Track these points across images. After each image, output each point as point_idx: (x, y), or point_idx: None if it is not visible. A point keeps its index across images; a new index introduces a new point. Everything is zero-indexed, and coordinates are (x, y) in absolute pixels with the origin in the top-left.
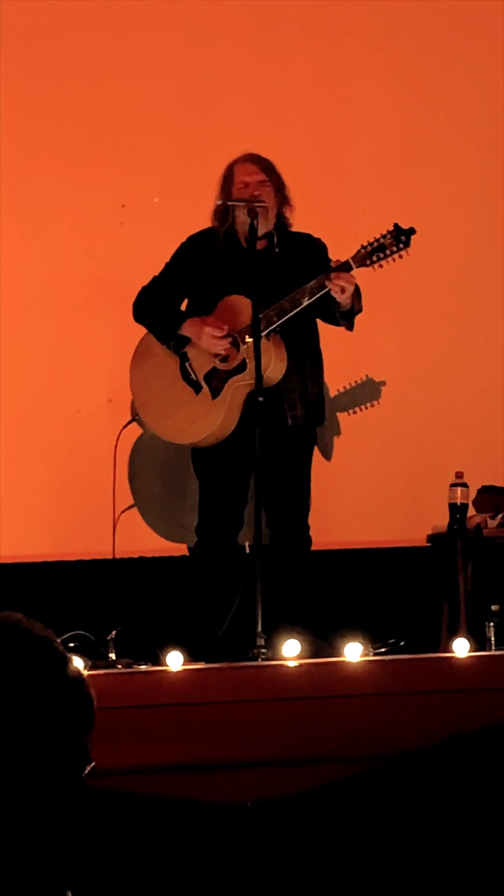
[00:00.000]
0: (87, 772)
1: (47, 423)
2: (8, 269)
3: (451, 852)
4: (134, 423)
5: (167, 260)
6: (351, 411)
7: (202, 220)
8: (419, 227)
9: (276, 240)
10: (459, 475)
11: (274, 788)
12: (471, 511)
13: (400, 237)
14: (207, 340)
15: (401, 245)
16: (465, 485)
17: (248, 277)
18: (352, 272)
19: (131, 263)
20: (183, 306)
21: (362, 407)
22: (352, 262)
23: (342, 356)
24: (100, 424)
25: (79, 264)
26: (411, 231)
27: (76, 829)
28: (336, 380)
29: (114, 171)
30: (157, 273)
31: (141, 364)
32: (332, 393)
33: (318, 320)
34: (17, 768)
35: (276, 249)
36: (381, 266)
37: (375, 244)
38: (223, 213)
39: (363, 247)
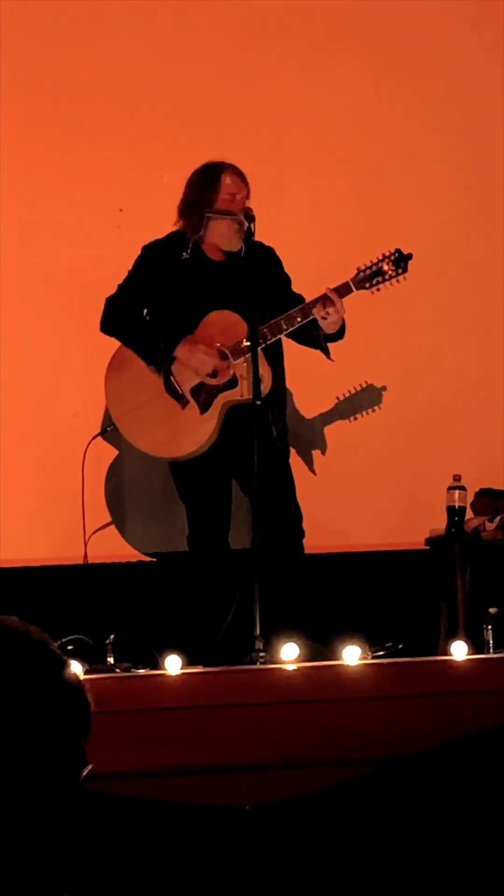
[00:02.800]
0: (84, 775)
1: (45, 428)
2: (5, 273)
3: (450, 855)
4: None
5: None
6: (352, 417)
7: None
8: (414, 231)
9: (242, 253)
10: (457, 478)
11: (273, 792)
12: (469, 514)
13: (399, 262)
14: (200, 359)
15: (399, 270)
16: (462, 488)
17: (216, 289)
18: (350, 294)
19: (129, 266)
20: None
21: (363, 413)
22: (352, 285)
23: (338, 361)
24: (97, 428)
25: (76, 267)
26: (409, 257)
27: (73, 833)
28: (333, 386)
29: (111, 175)
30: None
31: (118, 375)
32: (332, 400)
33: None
34: (12, 772)
35: (242, 257)
36: (377, 290)
37: (374, 268)
38: (197, 218)
39: (361, 270)
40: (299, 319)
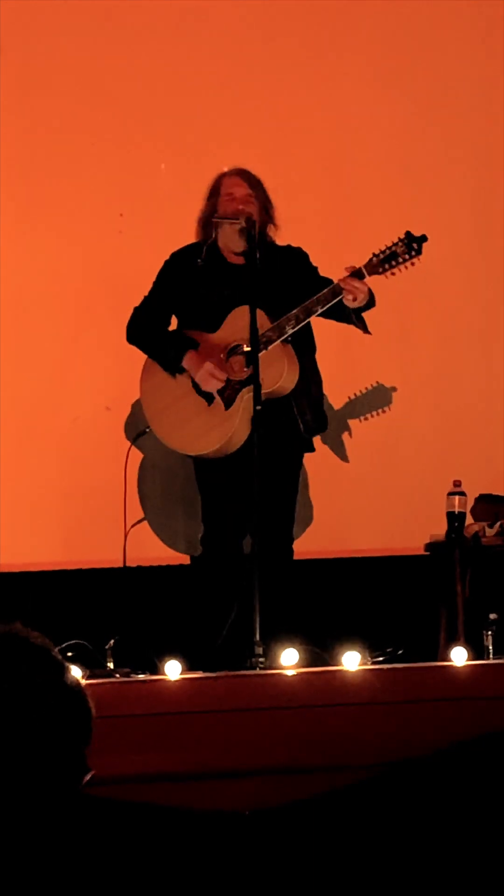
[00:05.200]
0: (86, 781)
1: (47, 431)
2: (7, 278)
3: (450, 860)
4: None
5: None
6: (362, 418)
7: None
8: (418, 230)
9: (258, 254)
10: (457, 484)
11: (272, 797)
12: (469, 519)
13: (412, 244)
14: (203, 375)
15: (413, 252)
16: (462, 493)
17: (238, 290)
18: (364, 280)
19: (130, 272)
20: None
21: (374, 413)
22: (364, 271)
23: (341, 365)
24: (100, 432)
25: (78, 272)
26: (423, 238)
27: (74, 838)
28: (337, 388)
29: (112, 180)
30: (152, 284)
31: (150, 377)
32: (343, 400)
33: (321, 324)
34: (14, 778)
35: (258, 262)
36: (393, 274)
37: (388, 252)
38: (207, 227)
39: (375, 255)
40: (316, 308)
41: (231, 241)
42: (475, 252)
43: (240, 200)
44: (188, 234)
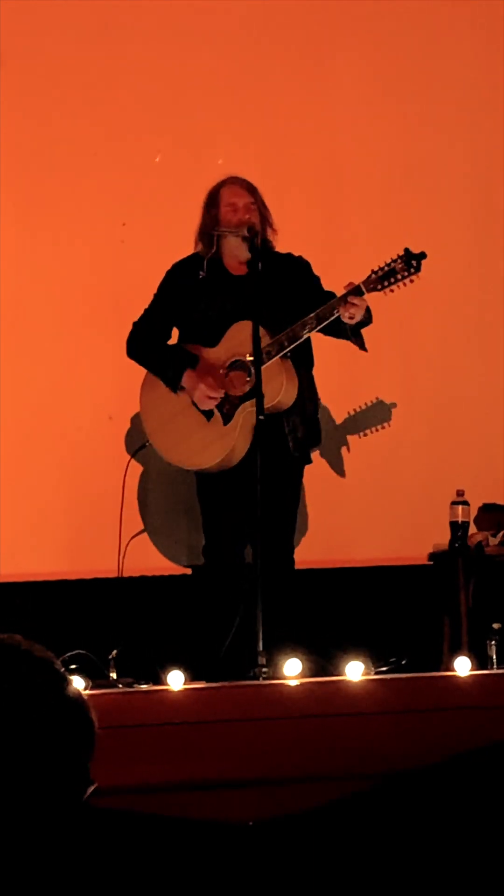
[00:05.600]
0: (88, 794)
1: (50, 441)
2: (9, 286)
3: (454, 871)
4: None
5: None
6: (361, 433)
7: None
8: (416, 245)
9: (259, 264)
10: (460, 493)
11: (276, 807)
12: (472, 529)
13: (411, 262)
14: (199, 396)
15: (412, 270)
16: (466, 503)
17: (241, 303)
18: (363, 297)
19: (132, 281)
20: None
21: (373, 429)
22: (363, 287)
23: (342, 377)
24: (102, 442)
25: (80, 282)
26: (422, 255)
27: (76, 848)
28: (337, 401)
29: (115, 189)
30: (154, 293)
31: (151, 391)
32: (343, 415)
33: (319, 339)
34: (16, 790)
35: (260, 269)
36: (391, 291)
37: (386, 269)
38: (208, 239)
39: (373, 272)
40: (314, 325)
41: (238, 251)
42: (475, 265)
43: (243, 210)
44: (191, 244)
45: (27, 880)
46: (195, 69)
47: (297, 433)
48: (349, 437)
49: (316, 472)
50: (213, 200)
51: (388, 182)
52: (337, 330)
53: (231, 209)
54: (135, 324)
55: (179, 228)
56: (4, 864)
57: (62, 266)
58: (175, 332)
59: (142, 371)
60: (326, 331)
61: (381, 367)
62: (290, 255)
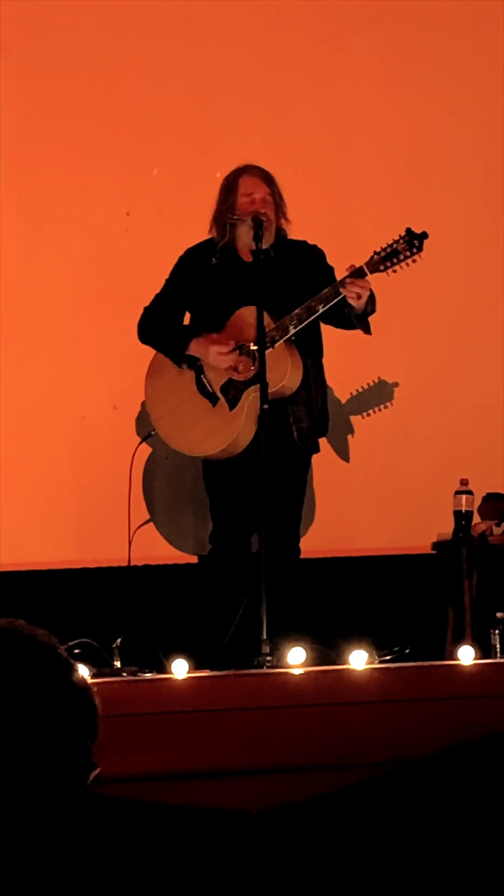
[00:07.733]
0: (92, 778)
1: (55, 430)
2: (13, 277)
3: (457, 859)
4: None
5: (172, 267)
6: (364, 414)
7: (207, 227)
8: (424, 228)
9: (272, 252)
10: (464, 482)
11: (280, 796)
12: (476, 518)
13: (413, 241)
14: (215, 357)
15: (414, 249)
16: (469, 492)
17: (250, 289)
18: (366, 278)
19: (136, 270)
20: (186, 319)
21: (376, 409)
22: (366, 269)
23: (347, 363)
24: (107, 431)
25: (84, 271)
26: (424, 235)
27: (80, 836)
28: (342, 386)
29: (119, 179)
30: (161, 282)
31: (156, 379)
32: (345, 396)
33: (328, 326)
34: (20, 775)
35: (272, 255)
36: (394, 271)
37: (389, 249)
38: (223, 225)
39: (376, 252)
40: (318, 307)
41: (249, 238)
42: (482, 246)
43: (260, 203)
44: (195, 233)
45: (29, 864)
46: (201, 57)
47: (302, 424)
48: (353, 421)
49: (321, 460)
50: (230, 188)
51: (395, 164)
52: (341, 319)
53: (248, 200)
54: (146, 308)
55: (183, 217)
56: (6, 847)
57: (66, 256)
58: (187, 318)
59: (147, 359)
60: (333, 321)
61: (386, 353)
62: (304, 242)
